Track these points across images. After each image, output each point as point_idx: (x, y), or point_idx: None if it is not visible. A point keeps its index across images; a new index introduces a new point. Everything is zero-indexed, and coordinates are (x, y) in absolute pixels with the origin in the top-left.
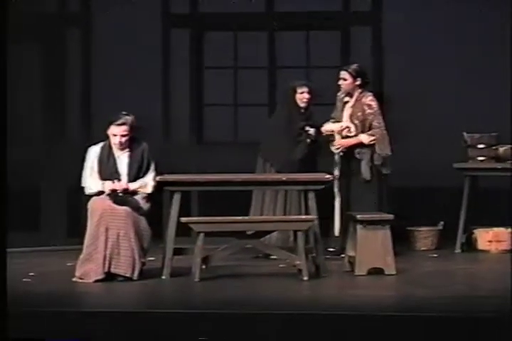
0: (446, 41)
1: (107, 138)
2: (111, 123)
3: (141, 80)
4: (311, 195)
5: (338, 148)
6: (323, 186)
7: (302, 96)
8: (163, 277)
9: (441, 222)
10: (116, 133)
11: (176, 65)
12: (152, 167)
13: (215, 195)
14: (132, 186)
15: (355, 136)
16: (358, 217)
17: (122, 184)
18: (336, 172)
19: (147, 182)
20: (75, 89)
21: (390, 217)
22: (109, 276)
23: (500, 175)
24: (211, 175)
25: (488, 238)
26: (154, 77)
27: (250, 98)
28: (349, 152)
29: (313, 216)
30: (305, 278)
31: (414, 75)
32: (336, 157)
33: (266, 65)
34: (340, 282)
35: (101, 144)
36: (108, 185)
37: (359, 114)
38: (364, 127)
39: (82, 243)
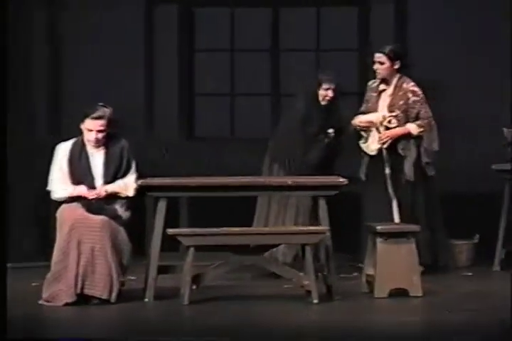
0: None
1: (80, 133)
2: (86, 116)
3: (120, 65)
4: (322, 202)
5: (384, 142)
6: (336, 192)
7: (326, 94)
8: (146, 300)
9: (477, 235)
10: (92, 128)
11: (162, 47)
12: (133, 168)
13: (209, 202)
14: (110, 188)
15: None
16: (378, 228)
17: (97, 190)
18: (388, 171)
19: (128, 184)
20: (42, 77)
21: (416, 228)
22: (82, 299)
23: None
24: (203, 178)
25: None
26: (136, 61)
27: (249, 86)
28: (389, 147)
29: (324, 227)
30: (315, 300)
31: (445, 60)
32: (385, 152)
33: (268, 47)
34: (357, 306)
35: (72, 141)
36: (80, 191)
37: (401, 102)
38: (408, 118)
39: (49, 259)
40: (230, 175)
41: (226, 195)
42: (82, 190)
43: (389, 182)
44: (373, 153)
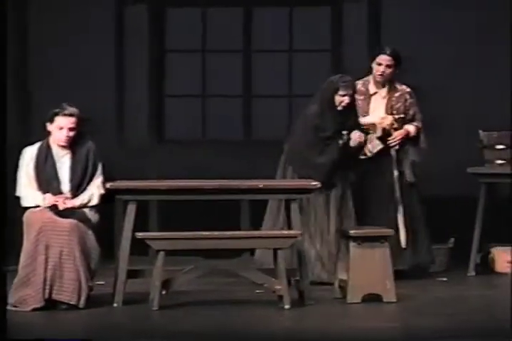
0: (460, 20)
1: (47, 135)
2: (55, 114)
3: (90, 66)
4: (294, 206)
5: (394, 145)
6: (308, 194)
7: (342, 100)
8: (115, 305)
9: (452, 239)
10: (64, 125)
11: (132, 48)
12: (99, 170)
13: (179, 206)
14: (79, 203)
15: (396, 129)
16: (351, 232)
17: (66, 202)
18: (396, 173)
19: (93, 193)
20: (10, 79)
21: (390, 232)
22: (50, 304)
23: None
24: (173, 181)
25: (507, 258)
26: (106, 62)
27: (221, 87)
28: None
29: (297, 231)
30: (286, 306)
31: (419, 60)
32: (393, 152)
33: (240, 47)
34: (329, 311)
35: (37, 144)
36: (49, 200)
37: (399, 104)
38: (405, 119)
39: (16, 263)
40: (201, 178)
41: (196, 199)
42: (53, 199)
43: (397, 185)
44: (370, 155)
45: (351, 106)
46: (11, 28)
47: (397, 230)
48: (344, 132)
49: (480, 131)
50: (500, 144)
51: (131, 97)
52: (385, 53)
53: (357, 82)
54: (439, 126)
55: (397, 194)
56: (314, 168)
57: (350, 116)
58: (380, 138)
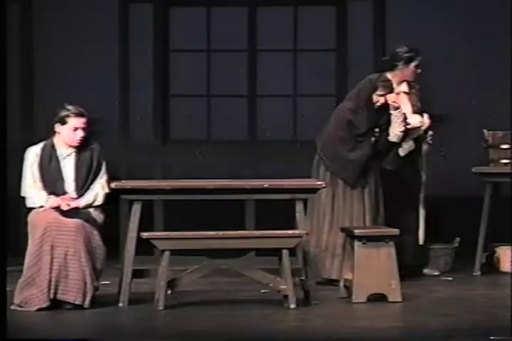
0: (462, 21)
1: (50, 136)
2: (67, 116)
3: (95, 66)
4: (299, 206)
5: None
6: (313, 194)
7: (378, 99)
8: (121, 304)
9: (457, 239)
10: (78, 125)
11: (137, 48)
12: (103, 169)
13: (184, 206)
14: (83, 203)
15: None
16: (356, 231)
17: (71, 203)
18: (424, 173)
19: (97, 193)
20: (15, 78)
21: (396, 231)
22: (56, 304)
23: None
24: (178, 181)
25: None
26: (110, 61)
27: (226, 88)
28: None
29: (302, 230)
30: (292, 306)
31: (425, 58)
32: (425, 148)
33: (245, 47)
34: (335, 311)
35: (41, 144)
36: (54, 202)
37: (416, 99)
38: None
39: (22, 264)
40: (206, 178)
41: (201, 198)
42: (57, 201)
43: (423, 187)
44: (402, 154)
45: (385, 105)
46: (16, 27)
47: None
48: (377, 129)
49: (484, 131)
50: (505, 144)
51: (136, 97)
52: (419, 55)
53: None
54: (446, 125)
55: (422, 193)
56: (345, 164)
57: (383, 115)
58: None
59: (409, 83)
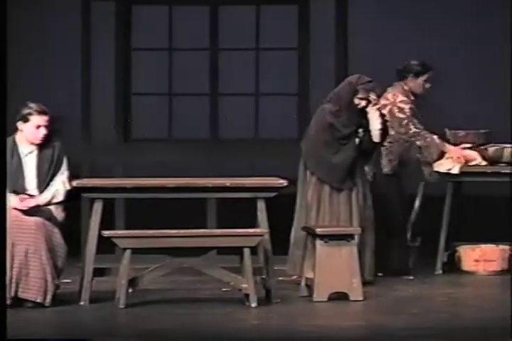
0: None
1: (14, 132)
2: (29, 114)
3: (56, 65)
4: (261, 204)
5: None
6: (275, 193)
7: (359, 102)
8: (82, 303)
9: (419, 238)
10: (42, 123)
11: (98, 46)
12: (64, 166)
13: (146, 204)
14: (43, 200)
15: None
16: (318, 230)
17: (30, 202)
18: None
19: (57, 189)
20: None
21: (358, 230)
22: (16, 302)
23: (490, 180)
24: (140, 180)
25: (474, 257)
26: (72, 60)
27: (188, 86)
28: None
29: (263, 229)
30: (253, 304)
31: (386, 58)
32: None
33: (207, 46)
34: (296, 309)
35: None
36: (14, 203)
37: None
38: None
39: None
40: (167, 176)
41: (163, 197)
42: (16, 201)
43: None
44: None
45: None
46: None
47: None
48: (360, 130)
49: (446, 130)
50: (467, 143)
51: (98, 95)
52: (431, 70)
53: (398, 94)
54: None
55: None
56: (330, 168)
57: (365, 115)
58: None
59: (415, 96)
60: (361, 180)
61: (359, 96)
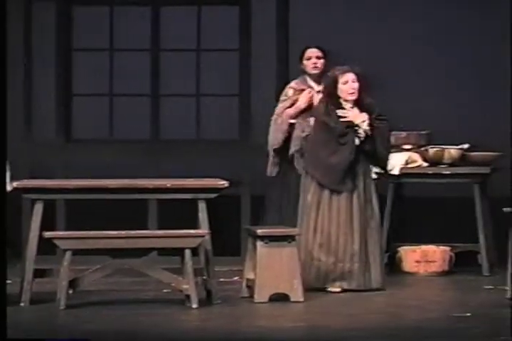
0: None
1: None
2: None
3: None
4: (202, 205)
5: None
6: (216, 194)
7: (347, 88)
8: (22, 304)
9: None
10: None
11: (40, 46)
12: (7, 167)
13: (87, 205)
14: None
15: None
16: (258, 231)
17: None
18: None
19: None
20: None
21: (297, 231)
22: None
23: (431, 182)
24: (81, 181)
25: (415, 258)
26: (13, 60)
27: (129, 87)
28: None
29: (204, 230)
30: (194, 305)
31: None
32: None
33: (148, 46)
34: (237, 310)
35: None
36: None
37: None
38: None
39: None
40: (109, 177)
41: (104, 198)
42: None
43: None
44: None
45: (362, 96)
46: None
47: None
48: (360, 130)
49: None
50: (408, 144)
51: (39, 96)
52: (309, 47)
53: (292, 82)
54: None
55: None
56: (327, 169)
57: (367, 108)
58: None
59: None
60: (363, 182)
61: (341, 80)
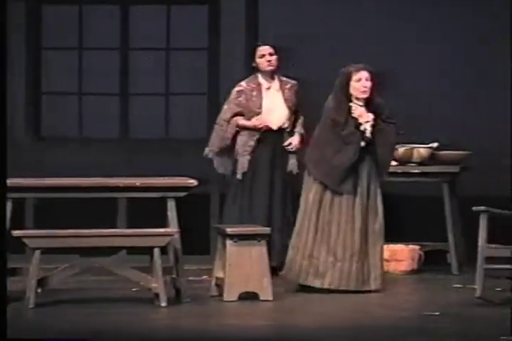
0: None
1: None
2: None
3: None
4: (171, 204)
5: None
6: (185, 193)
7: (360, 85)
8: None
9: None
10: None
11: (9, 45)
12: None
13: (56, 204)
14: None
15: None
16: (228, 230)
17: None
18: None
19: None
20: None
21: (267, 230)
22: None
23: (400, 180)
24: (50, 179)
25: (384, 256)
26: None
27: (98, 86)
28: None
29: (173, 229)
30: (163, 304)
31: (298, 58)
32: None
33: (117, 45)
34: (206, 309)
35: None
36: None
37: (292, 97)
38: None
39: None
40: (78, 176)
41: (74, 197)
42: None
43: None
44: None
45: (373, 96)
46: None
47: None
48: (367, 131)
49: None
50: None
51: (8, 94)
52: (261, 44)
53: (243, 82)
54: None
55: None
56: (329, 169)
57: (377, 108)
58: None
59: (277, 78)
60: (367, 183)
61: (355, 78)
